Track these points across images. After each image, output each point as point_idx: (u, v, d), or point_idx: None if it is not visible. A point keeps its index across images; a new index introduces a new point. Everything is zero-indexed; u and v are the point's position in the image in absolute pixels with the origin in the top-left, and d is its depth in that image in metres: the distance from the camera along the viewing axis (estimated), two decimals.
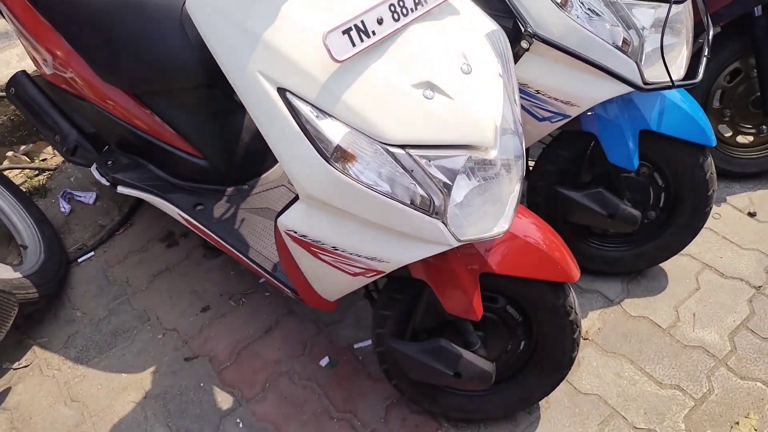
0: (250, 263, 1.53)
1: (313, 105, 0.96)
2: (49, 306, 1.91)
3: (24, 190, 2.22)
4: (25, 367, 1.78)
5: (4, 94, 2.30)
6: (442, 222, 1.02)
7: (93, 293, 1.97)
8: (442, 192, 1.01)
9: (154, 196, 1.65)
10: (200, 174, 1.67)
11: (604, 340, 1.71)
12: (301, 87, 0.96)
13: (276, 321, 1.84)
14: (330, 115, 0.96)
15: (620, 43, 1.34)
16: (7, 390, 1.73)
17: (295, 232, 1.12)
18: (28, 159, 2.43)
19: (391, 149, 0.97)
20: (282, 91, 0.96)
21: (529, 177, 1.77)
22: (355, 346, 1.75)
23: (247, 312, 1.87)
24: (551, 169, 1.71)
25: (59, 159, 2.45)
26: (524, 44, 1.34)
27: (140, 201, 2.23)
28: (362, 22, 0.94)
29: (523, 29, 1.32)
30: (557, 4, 1.31)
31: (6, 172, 2.32)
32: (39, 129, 1.91)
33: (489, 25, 1.15)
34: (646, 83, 1.38)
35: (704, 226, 1.74)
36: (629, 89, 1.39)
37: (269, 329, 1.82)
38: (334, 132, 0.96)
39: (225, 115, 1.64)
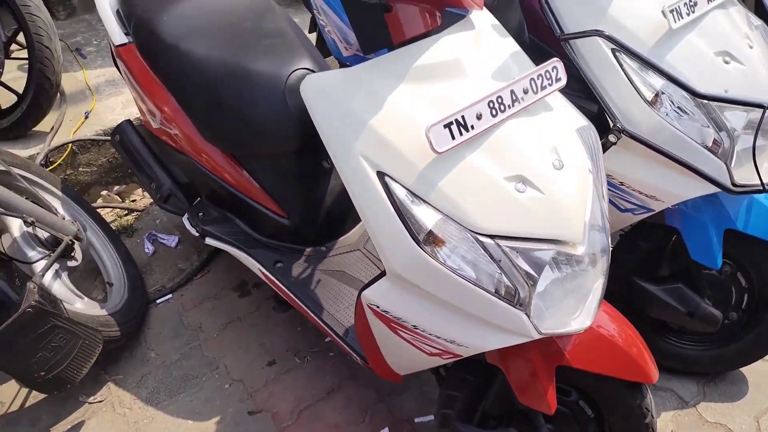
0: (323, 324, 1.57)
1: (409, 190, 1.01)
2: (127, 343, 2.00)
3: (113, 228, 2.37)
4: (100, 401, 1.86)
5: (107, 137, 2.51)
6: (525, 314, 1.03)
7: (168, 335, 2.05)
8: (527, 284, 1.02)
9: (238, 250, 1.73)
10: (282, 232, 1.75)
11: None
12: (399, 172, 1.01)
13: (339, 383, 1.85)
14: (425, 201, 1.01)
15: (710, 144, 1.34)
16: (81, 423, 1.81)
17: (378, 307, 1.15)
18: (119, 199, 2.60)
19: (481, 238, 1.00)
20: (381, 175, 1.02)
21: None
22: (416, 420, 1.73)
23: (311, 370, 1.90)
24: (629, 258, 1.69)
25: (147, 200, 2.62)
26: (612, 138, 1.36)
27: (218, 249, 2.34)
28: (463, 117, 0.99)
29: (611, 124, 1.34)
30: (647, 101, 1.33)
31: (99, 210, 2.49)
32: (136, 175, 2.05)
33: (580, 120, 1.18)
34: (735, 185, 1.37)
35: None
36: (717, 190, 1.37)
37: (331, 391, 1.83)
38: (427, 217, 1.00)
39: (311, 179, 1.73)
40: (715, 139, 1.35)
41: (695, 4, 1.33)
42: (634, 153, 1.40)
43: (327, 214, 1.76)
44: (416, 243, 1.01)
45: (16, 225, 1.84)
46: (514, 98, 1.05)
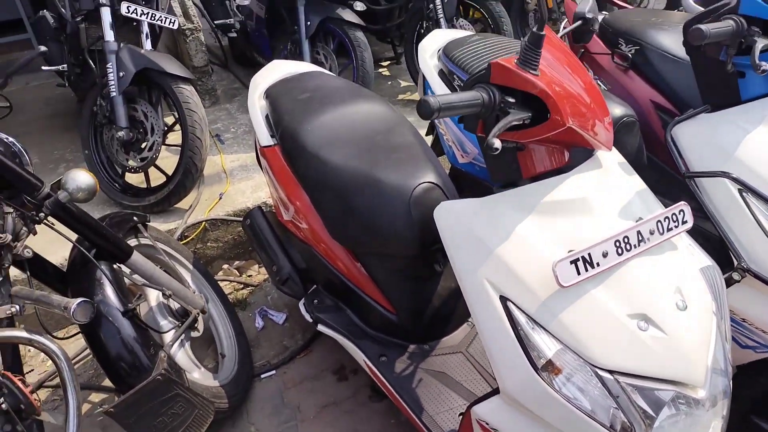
0: (420, 424, 1.61)
1: (530, 317, 1.06)
2: (230, 415, 2.12)
3: (231, 301, 2.56)
4: None
5: (236, 218, 2.76)
6: None
7: (268, 411, 2.15)
8: (644, 422, 1.02)
9: (347, 339, 1.83)
10: (389, 327, 1.83)
11: None
12: (522, 299, 1.07)
13: None
14: (545, 329, 1.05)
15: None
16: None
17: (488, 424, 1.18)
18: (238, 273, 2.81)
19: (600, 373, 1.02)
20: (504, 299, 1.08)
21: None
22: None
23: None
24: (747, 395, 1.60)
25: (262, 276, 2.81)
26: (736, 276, 1.35)
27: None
28: (589, 254, 1.04)
29: (736, 262, 1.34)
30: None
31: (219, 282, 2.71)
32: (260, 256, 2.24)
33: (705, 260, 1.19)
34: None
35: None
36: None
37: None
38: (547, 346, 1.05)
39: (422, 280, 1.81)
40: None
41: None
42: (759, 291, 1.37)
43: (433, 314, 1.83)
44: (534, 369, 1.05)
45: (153, 296, 2.06)
46: (641, 238, 1.09)
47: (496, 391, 1.17)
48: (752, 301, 1.39)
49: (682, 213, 1.14)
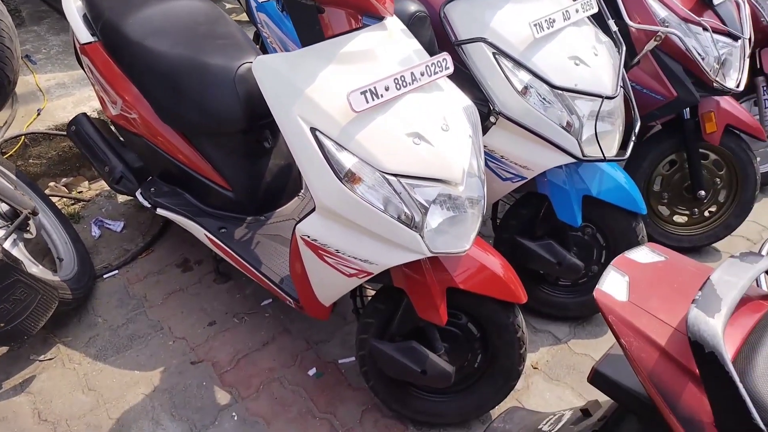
0: (261, 275, 1.86)
1: (334, 140, 1.34)
2: (74, 311, 2.19)
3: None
4: (50, 359, 2.04)
5: (59, 132, 2.70)
6: (420, 235, 1.38)
7: (114, 304, 2.26)
8: (420, 212, 1.37)
9: (186, 219, 2.00)
10: (227, 204, 2.03)
11: (551, 371, 2.02)
12: (327, 127, 1.34)
13: (273, 337, 2.13)
14: (345, 149, 1.34)
15: (565, 125, 1.76)
16: (32, 378, 1.98)
17: (309, 237, 1.47)
18: (66, 189, 2.78)
19: (387, 176, 1.34)
20: (313, 130, 1.35)
21: (496, 231, 2.15)
22: (340, 361, 2.04)
23: (248, 328, 2.16)
24: (514, 223, 2.09)
25: (93, 193, 2.81)
26: (492, 119, 1.76)
27: (161, 231, 2.57)
28: (375, 87, 1.34)
29: (491, 108, 1.74)
30: (518, 92, 1.74)
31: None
32: (91, 161, 2.28)
33: (466, 101, 1.56)
34: (584, 155, 1.80)
35: None
36: (572, 160, 1.80)
37: (266, 343, 2.11)
38: (347, 160, 1.34)
39: (254, 157, 2.03)
40: (568, 120, 1.77)
41: (553, 20, 1.77)
42: (510, 132, 1.80)
43: (267, 187, 2.06)
44: (339, 180, 1.34)
45: None
46: (413, 78, 1.41)
47: (313, 210, 1.45)
48: (506, 140, 1.82)
49: (445, 61, 1.48)
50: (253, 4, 2.57)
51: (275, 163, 2.08)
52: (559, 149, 1.78)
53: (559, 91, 1.74)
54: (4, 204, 2.05)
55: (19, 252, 2.03)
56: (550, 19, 1.75)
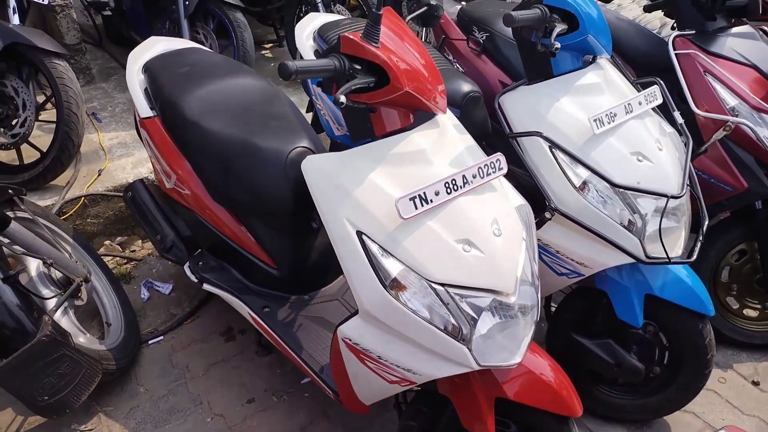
0: (301, 362, 1.81)
1: (380, 245, 1.30)
2: (118, 379, 2.19)
3: (114, 274, 2.60)
4: (90, 430, 2.04)
5: (116, 193, 2.78)
6: (468, 348, 1.30)
7: (156, 373, 2.25)
8: (469, 323, 1.30)
9: (231, 295, 1.99)
10: (271, 281, 2.01)
11: None
12: (373, 232, 1.30)
13: (311, 421, 2.06)
14: (392, 255, 1.29)
15: (626, 224, 1.67)
16: None
17: (350, 340, 1.41)
18: (120, 248, 2.84)
19: (434, 285, 1.28)
20: (359, 233, 1.31)
21: (550, 322, 2.04)
22: None
23: (287, 408, 2.11)
24: (568, 317, 1.97)
25: (146, 252, 2.86)
26: (547, 215, 1.68)
27: (208, 297, 2.58)
28: (424, 193, 1.29)
29: (547, 204, 1.67)
30: (576, 188, 1.66)
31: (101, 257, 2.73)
32: (143, 227, 2.32)
33: (519, 200, 1.50)
34: (648, 257, 1.69)
35: (709, 387, 1.94)
36: (633, 260, 1.69)
37: (304, 427, 2.04)
38: (393, 267, 1.29)
39: (300, 236, 2.01)
40: (630, 219, 1.67)
41: (615, 115, 1.69)
42: (567, 227, 1.72)
43: (311, 267, 2.04)
44: (383, 287, 1.29)
45: (34, 265, 2.08)
46: (465, 181, 1.36)
47: (356, 313, 1.40)
48: (562, 236, 1.73)
49: (498, 162, 1.42)
50: (310, 80, 2.60)
51: (321, 242, 2.05)
52: (619, 249, 1.68)
53: (621, 189, 1.65)
54: (57, 271, 2.10)
55: (68, 321, 2.06)
56: (611, 113, 1.68)
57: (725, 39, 2.05)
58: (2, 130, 2.61)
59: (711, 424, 2.07)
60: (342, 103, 1.22)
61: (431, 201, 1.30)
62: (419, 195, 1.29)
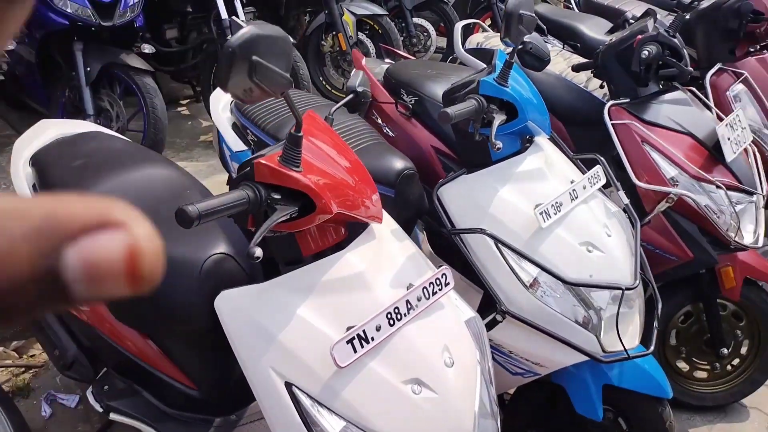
0: None
1: (314, 399, 1.09)
2: None
3: (7, 388, 2.24)
4: None
5: None
6: None
7: None
8: None
9: (145, 425, 1.70)
10: (192, 404, 1.74)
11: None
12: (305, 382, 1.10)
13: None
14: (329, 409, 1.09)
15: (581, 320, 1.54)
16: None
17: None
18: (17, 355, 2.47)
19: None
20: (288, 385, 1.10)
21: (504, 417, 1.88)
22: None
23: None
24: (524, 410, 1.83)
25: (46, 357, 2.50)
26: (498, 317, 1.53)
27: None
28: (364, 331, 1.11)
29: (498, 306, 1.52)
30: (525, 286, 1.52)
31: None
32: (39, 341, 2.00)
33: (468, 312, 1.34)
34: (604, 352, 1.56)
35: None
36: (589, 359, 1.56)
37: None
38: (331, 426, 1.08)
39: (221, 350, 1.75)
40: (584, 316, 1.55)
41: (561, 204, 1.58)
42: (519, 328, 1.57)
43: (235, 382, 1.78)
44: None
45: None
46: (410, 306, 1.18)
47: None
48: (514, 337, 1.58)
49: (444, 276, 1.26)
50: (227, 153, 2.39)
51: None
52: (574, 348, 1.55)
53: (573, 286, 1.53)
54: None
55: None
56: (556, 203, 1.56)
57: (659, 106, 2.01)
58: None
59: None
60: (258, 257, 1.02)
61: (372, 339, 1.12)
62: (358, 335, 1.10)
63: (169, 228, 1.68)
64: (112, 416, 1.75)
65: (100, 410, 1.77)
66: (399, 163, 1.94)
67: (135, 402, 1.75)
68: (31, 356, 2.51)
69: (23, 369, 2.42)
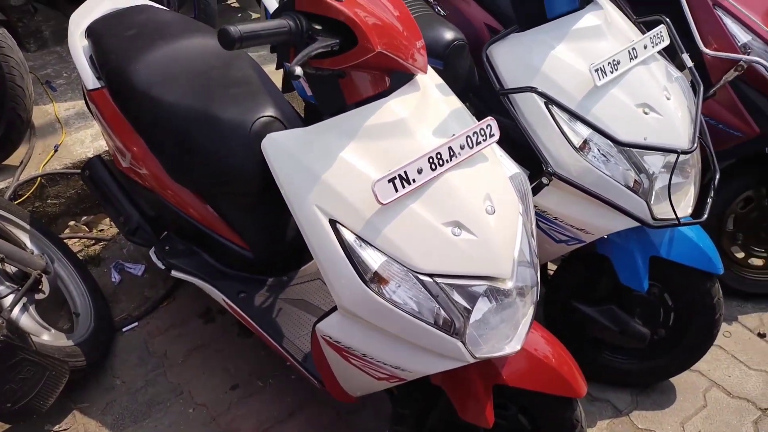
0: (283, 351, 1.67)
1: (357, 235, 1.13)
2: (93, 372, 2.05)
3: (81, 258, 2.42)
4: (65, 430, 1.92)
5: (76, 171, 2.57)
6: (461, 341, 1.16)
7: (133, 363, 2.12)
8: (462, 315, 1.15)
9: (203, 281, 1.82)
10: (246, 264, 1.84)
11: None
12: (349, 220, 1.13)
13: (299, 405, 1.95)
14: (371, 245, 1.13)
15: (632, 185, 1.50)
16: None
17: (330, 338, 1.26)
18: (87, 229, 2.65)
19: (421, 277, 1.13)
20: (333, 222, 1.14)
21: (547, 290, 1.91)
22: None
23: (273, 393, 1.99)
24: (567, 283, 1.84)
25: (115, 230, 2.68)
26: (545, 180, 1.51)
27: None
28: (405, 172, 1.11)
29: (544, 168, 1.49)
30: (575, 148, 1.48)
31: (67, 241, 2.54)
32: (105, 209, 2.13)
33: (513, 168, 1.32)
34: (654, 219, 1.53)
35: (714, 344, 1.84)
36: (638, 224, 1.53)
37: (292, 412, 1.93)
38: (373, 259, 1.13)
39: (273, 214, 1.83)
40: (636, 180, 1.51)
41: (618, 62, 1.50)
42: (566, 192, 1.55)
43: (288, 246, 1.87)
44: (363, 282, 1.13)
45: None
46: (452, 153, 1.18)
47: (335, 308, 1.25)
48: (561, 201, 1.57)
49: (489, 127, 1.24)
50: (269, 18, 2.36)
51: None
52: (623, 213, 1.52)
53: (626, 148, 1.47)
54: (12, 266, 1.92)
55: (29, 318, 1.90)
56: (614, 61, 1.48)
57: None
58: None
59: (717, 382, 1.98)
60: (297, 76, 1.02)
61: (413, 181, 1.13)
62: (399, 175, 1.11)
63: (220, 92, 1.72)
64: (174, 273, 1.88)
65: (162, 267, 1.90)
66: (449, 34, 1.87)
67: (194, 261, 1.86)
68: (100, 230, 2.69)
69: (93, 241, 2.60)
